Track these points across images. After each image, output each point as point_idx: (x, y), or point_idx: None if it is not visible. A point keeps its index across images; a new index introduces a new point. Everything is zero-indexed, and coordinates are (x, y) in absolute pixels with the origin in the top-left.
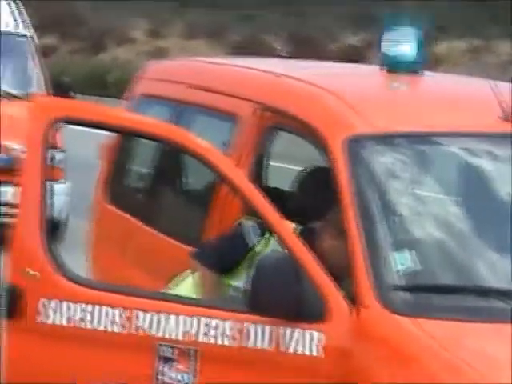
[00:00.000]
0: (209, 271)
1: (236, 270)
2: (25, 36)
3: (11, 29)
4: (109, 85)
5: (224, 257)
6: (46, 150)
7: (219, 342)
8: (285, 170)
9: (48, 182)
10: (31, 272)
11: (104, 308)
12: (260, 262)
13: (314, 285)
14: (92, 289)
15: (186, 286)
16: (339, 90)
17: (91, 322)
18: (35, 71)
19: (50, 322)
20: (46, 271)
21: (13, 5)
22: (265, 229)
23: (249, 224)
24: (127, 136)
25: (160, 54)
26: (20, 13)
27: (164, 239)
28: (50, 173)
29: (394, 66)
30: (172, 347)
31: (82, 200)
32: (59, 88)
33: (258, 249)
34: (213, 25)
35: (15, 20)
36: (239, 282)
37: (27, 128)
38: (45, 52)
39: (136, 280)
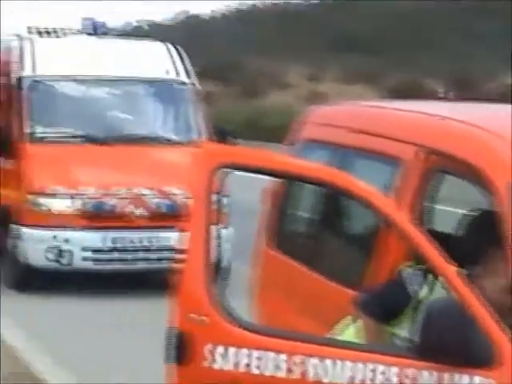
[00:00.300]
0: (371, 319)
1: (399, 318)
2: (185, 83)
3: (172, 76)
4: (268, 129)
5: (386, 305)
6: (212, 195)
7: None
8: (449, 213)
9: (214, 228)
10: (198, 317)
11: (270, 353)
12: (429, 307)
13: (484, 330)
14: (258, 334)
15: (350, 332)
16: (505, 131)
17: (258, 367)
18: (196, 118)
19: (216, 367)
20: (213, 316)
21: (174, 52)
22: (426, 276)
23: (410, 272)
24: (290, 181)
25: (317, 98)
26: (182, 60)
27: (328, 284)
28: (216, 218)
29: None
30: None
31: (244, 245)
32: (220, 134)
33: (421, 296)
34: (370, 68)
35: (176, 67)
36: (402, 330)
37: (193, 173)
38: (206, 98)
39: (301, 325)
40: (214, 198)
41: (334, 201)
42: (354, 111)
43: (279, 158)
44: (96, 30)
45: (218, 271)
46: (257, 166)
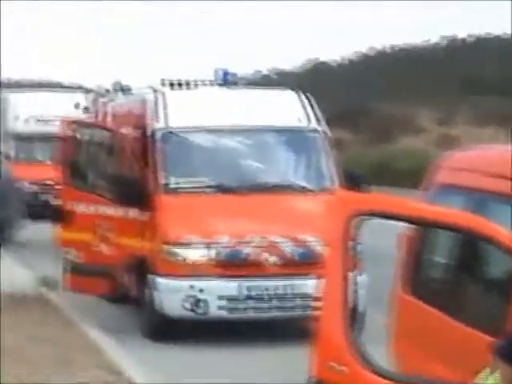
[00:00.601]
0: (508, 365)
1: None
2: (317, 131)
3: (304, 124)
4: (398, 174)
5: None
6: (348, 242)
7: None
8: None
9: (350, 275)
10: (337, 366)
11: None
12: None
13: None
14: (399, 383)
15: (490, 381)
16: None
17: None
18: (328, 165)
19: None
20: (353, 366)
21: (305, 100)
22: None
23: None
24: (427, 227)
25: (449, 142)
26: (312, 107)
27: (466, 330)
28: (352, 265)
29: None
30: None
31: (376, 290)
32: (351, 179)
33: None
34: (502, 110)
35: (307, 115)
36: None
37: (328, 221)
38: (336, 145)
39: (438, 371)
40: (351, 244)
41: (472, 246)
42: (489, 155)
43: (415, 204)
44: (226, 80)
45: (354, 318)
46: (393, 212)
